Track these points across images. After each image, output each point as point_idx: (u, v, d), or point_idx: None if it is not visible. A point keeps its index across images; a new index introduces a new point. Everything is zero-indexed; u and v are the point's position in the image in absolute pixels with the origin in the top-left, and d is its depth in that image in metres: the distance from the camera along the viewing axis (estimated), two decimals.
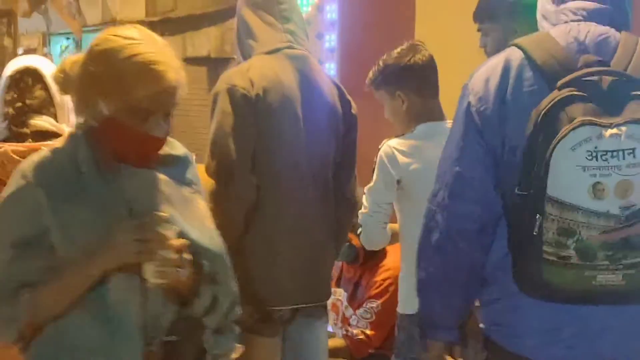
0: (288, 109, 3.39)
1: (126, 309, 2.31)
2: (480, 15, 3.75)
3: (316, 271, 3.58)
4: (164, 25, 16.97)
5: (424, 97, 3.74)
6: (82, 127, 2.42)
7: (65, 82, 2.48)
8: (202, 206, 2.57)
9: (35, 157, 2.39)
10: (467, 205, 2.53)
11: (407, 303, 3.61)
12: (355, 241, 4.32)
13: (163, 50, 2.34)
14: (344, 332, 4.57)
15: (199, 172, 4.27)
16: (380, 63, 3.82)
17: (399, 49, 3.78)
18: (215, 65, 15.57)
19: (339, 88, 3.61)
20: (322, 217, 3.56)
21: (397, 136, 3.72)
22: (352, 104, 3.64)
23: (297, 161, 3.44)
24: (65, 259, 2.33)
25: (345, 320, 4.62)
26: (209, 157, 3.41)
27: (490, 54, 3.72)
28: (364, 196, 3.68)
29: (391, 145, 3.65)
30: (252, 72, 3.38)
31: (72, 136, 2.46)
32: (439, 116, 3.74)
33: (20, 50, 23.95)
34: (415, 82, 3.73)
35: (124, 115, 2.30)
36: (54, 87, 3.35)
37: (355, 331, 4.40)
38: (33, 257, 2.32)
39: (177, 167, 2.58)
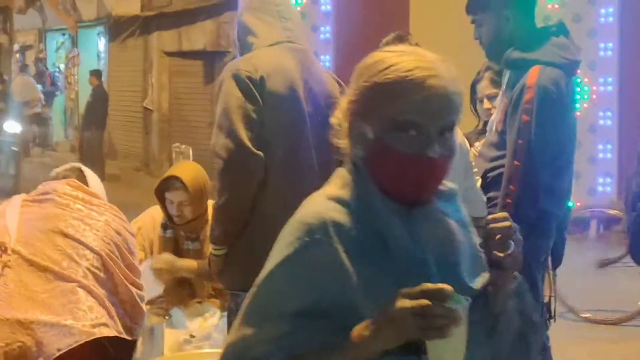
0: (291, 94, 3.45)
1: None
2: (473, 7, 3.77)
3: None
4: (160, 20, 17.05)
5: None
6: (355, 159, 2.05)
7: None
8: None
9: (316, 207, 2.06)
10: None
11: None
12: None
13: (428, 58, 1.89)
14: None
15: (189, 170, 4.32)
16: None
17: (384, 40, 3.83)
18: (211, 58, 15.65)
19: (339, 82, 3.69)
20: None
21: None
22: None
23: (301, 144, 3.48)
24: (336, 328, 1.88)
25: None
26: (216, 136, 3.48)
27: (485, 44, 3.77)
28: None
29: None
30: (256, 59, 3.45)
31: (345, 174, 2.09)
32: None
33: (16, 47, 24.01)
34: None
35: (391, 133, 1.93)
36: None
37: None
38: (311, 327, 1.92)
39: (452, 203, 2.14)
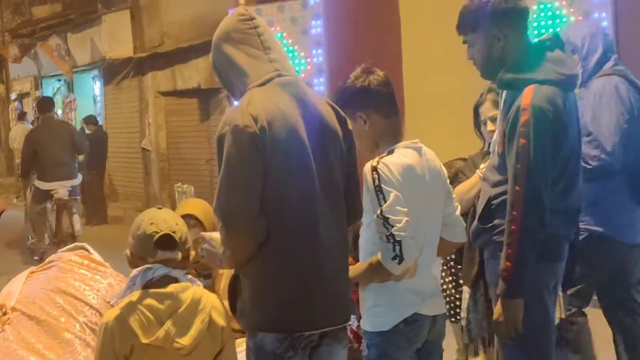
0: (294, 138, 3.34)
1: None
2: (463, 28, 3.77)
3: (341, 293, 3.54)
4: (153, 61, 17.13)
5: (385, 116, 3.75)
6: None
7: None
8: None
9: None
10: None
11: (375, 319, 3.63)
12: (351, 261, 4.35)
13: None
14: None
15: (199, 206, 4.37)
16: (337, 89, 3.81)
17: (353, 73, 3.79)
18: (205, 95, 15.70)
19: (332, 107, 3.62)
20: (341, 239, 3.55)
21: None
22: (347, 119, 3.67)
23: (309, 187, 3.37)
24: None
25: (358, 339, 4.68)
26: (216, 201, 3.36)
27: (478, 65, 3.77)
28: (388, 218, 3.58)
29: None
30: (252, 108, 3.30)
31: None
32: (400, 135, 3.76)
33: (13, 95, 24.15)
34: (373, 102, 3.74)
35: None
36: None
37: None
38: None
39: None
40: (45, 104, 11.76)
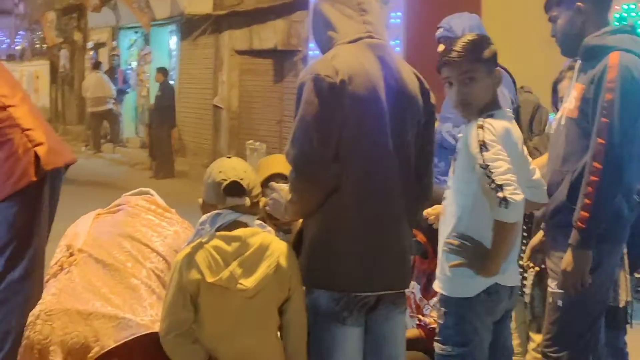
0: (372, 96, 3.37)
1: None
2: (549, 3, 3.84)
3: (401, 257, 3.55)
4: (231, 19, 17.16)
5: (493, 83, 3.72)
6: None
7: None
8: None
9: None
10: None
11: (458, 286, 3.62)
12: (419, 237, 4.34)
13: None
14: (417, 322, 4.63)
15: (283, 163, 4.36)
16: (466, 40, 3.66)
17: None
18: (281, 57, 15.70)
19: (418, 77, 3.63)
20: (405, 206, 3.57)
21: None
22: (431, 93, 3.64)
23: (381, 148, 3.41)
24: None
25: (419, 311, 4.67)
26: (289, 146, 3.43)
27: (559, 39, 3.81)
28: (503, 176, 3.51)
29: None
30: (336, 61, 3.35)
31: None
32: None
33: (90, 44, 24.42)
34: (490, 66, 3.69)
35: None
36: None
37: (428, 320, 4.44)
38: None
39: None
40: None
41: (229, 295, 3.27)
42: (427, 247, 4.25)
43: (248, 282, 3.27)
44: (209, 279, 3.25)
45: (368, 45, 3.45)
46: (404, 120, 3.45)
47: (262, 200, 3.57)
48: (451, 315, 3.54)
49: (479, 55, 3.52)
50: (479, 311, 3.51)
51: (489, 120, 3.47)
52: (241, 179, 3.39)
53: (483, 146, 3.39)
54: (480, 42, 3.58)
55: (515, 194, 3.29)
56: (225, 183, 3.37)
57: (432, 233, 3.90)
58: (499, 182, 3.30)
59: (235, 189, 3.38)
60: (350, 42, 3.44)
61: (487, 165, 3.34)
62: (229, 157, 3.60)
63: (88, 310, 3.33)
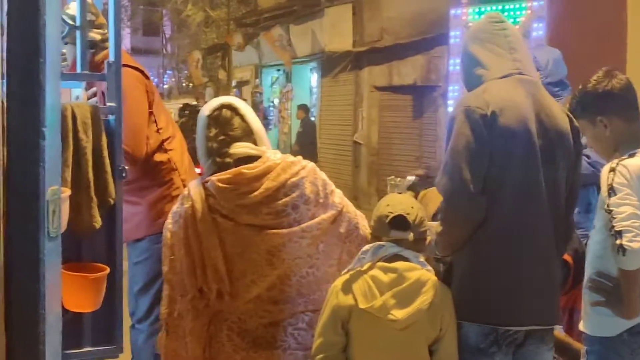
0: (523, 129, 3.39)
1: None
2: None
3: (550, 293, 3.52)
4: (370, 55, 17.30)
5: (627, 120, 3.67)
6: None
7: None
8: None
9: None
10: None
11: (599, 324, 3.52)
12: (566, 256, 4.26)
13: None
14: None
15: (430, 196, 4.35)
16: (577, 93, 3.79)
17: (594, 77, 3.75)
18: (420, 93, 15.69)
19: (568, 116, 3.62)
20: (552, 241, 3.56)
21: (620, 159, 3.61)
22: (580, 132, 3.65)
23: (532, 181, 3.40)
24: None
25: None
26: (441, 175, 3.48)
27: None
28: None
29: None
30: (487, 94, 3.41)
31: None
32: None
33: (234, 82, 25.04)
34: (615, 106, 3.68)
35: None
36: (249, 116, 3.63)
37: None
38: None
39: None
40: None
41: (379, 325, 3.31)
42: (570, 268, 4.16)
43: (399, 314, 3.30)
44: (362, 305, 3.31)
45: (519, 81, 3.49)
46: (554, 156, 3.44)
47: (429, 239, 3.59)
48: (593, 355, 3.46)
49: (584, 107, 3.59)
50: (620, 352, 3.39)
51: (624, 162, 3.41)
52: (407, 214, 3.44)
53: (611, 190, 3.34)
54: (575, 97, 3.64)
55: (634, 241, 3.19)
56: (391, 216, 3.42)
57: (579, 261, 3.84)
58: (618, 229, 3.23)
59: (400, 222, 3.42)
60: (501, 77, 3.49)
61: (611, 211, 3.29)
62: (400, 193, 3.71)
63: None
